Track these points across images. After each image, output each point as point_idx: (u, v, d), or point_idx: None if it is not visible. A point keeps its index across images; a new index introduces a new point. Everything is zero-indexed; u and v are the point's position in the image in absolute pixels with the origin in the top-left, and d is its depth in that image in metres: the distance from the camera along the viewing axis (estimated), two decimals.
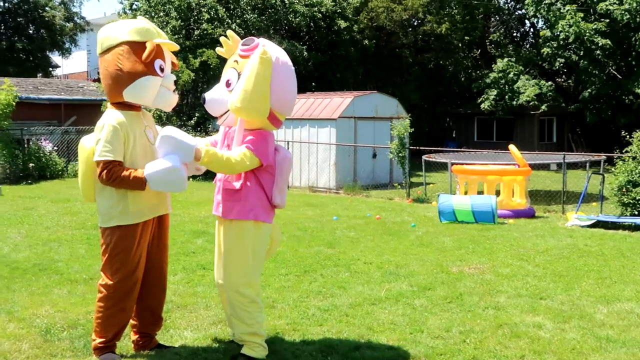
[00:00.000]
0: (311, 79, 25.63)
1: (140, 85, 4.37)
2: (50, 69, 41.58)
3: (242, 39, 4.67)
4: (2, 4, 38.49)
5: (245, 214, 4.54)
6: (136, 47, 4.37)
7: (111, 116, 4.39)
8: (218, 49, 4.72)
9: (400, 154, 15.39)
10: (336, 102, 17.70)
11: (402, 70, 29.36)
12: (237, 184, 4.55)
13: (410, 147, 15.95)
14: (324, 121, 17.28)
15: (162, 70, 4.46)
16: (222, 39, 4.60)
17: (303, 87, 24.28)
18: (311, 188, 17.27)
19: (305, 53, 23.20)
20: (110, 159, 4.31)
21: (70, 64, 43.65)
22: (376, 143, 17.61)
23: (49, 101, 22.14)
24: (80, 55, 42.48)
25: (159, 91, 4.46)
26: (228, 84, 4.51)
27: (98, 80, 26.31)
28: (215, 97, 4.54)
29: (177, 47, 4.60)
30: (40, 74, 38.85)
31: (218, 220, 4.75)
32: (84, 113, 22.34)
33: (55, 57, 42.86)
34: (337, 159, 17.14)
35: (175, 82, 4.57)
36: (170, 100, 4.55)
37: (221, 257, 4.66)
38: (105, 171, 4.30)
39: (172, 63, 4.65)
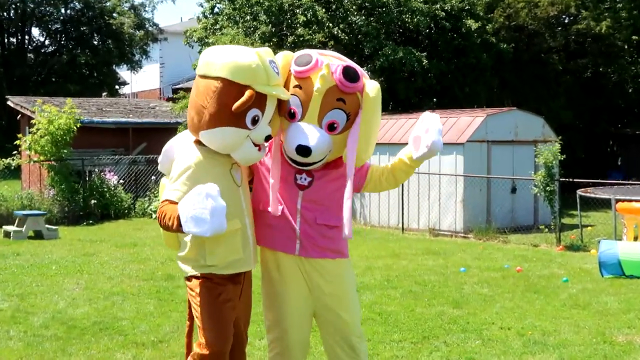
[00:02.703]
0: (432, 93, 25.58)
1: (218, 135, 4.47)
2: (117, 86, 43.64)
3: (331, 53, 4.78)
4: (63, 11, 40.81)
5: (345, 252, 4.87)
6: (233, 89, 4.40)
7: (190, 155, 4.54)
8: (318, 89, 4.64)
9: (547, 188, 15.05)
10: (464, 122, 17.58)
11: (549, 80, 28.82)
12: (336, 219, 4.74)
13: (561, 179, 15.57)
14: (448, 146, 17.15)
15: (254, 122, 4.49)
16: (322, 75, 4.59)
17: (421, 104, 24.23)
18: (432, 231, 17.13)
19: (425, 61, 23.19)
20: (169, 199, 4.42)
21: (140, 80, 45.64)
22: (516, 173, 17.29)
23: (115, 125, 23.15)
24: (152, 69, 44.31)
25: (243, 144, 4.51)
26: (333, 127, 4.63)
27: (172, 99, 27.34)
28: (320, 145, 4.60)
29: (287, 98, 4.61)
30: (105, 93, 40.85)
31: (298, 261, 4.78)
32: (156, 139, 23.10)
33: (123, 72, 44.95)
34: (465, 194, 16.96)
35: (268, 138, 4.58)
36: (250, 157, 4.59)
37: (333, 302, 4.83)
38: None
39: (280, 108, 4.64)
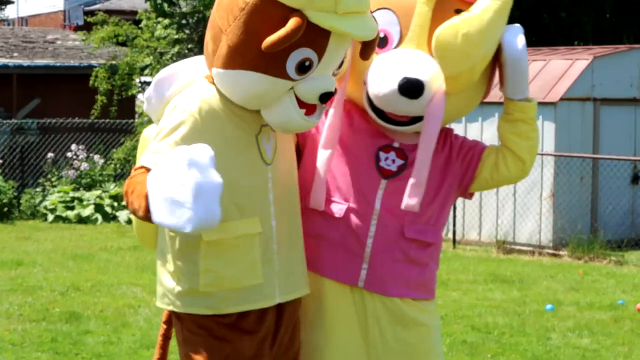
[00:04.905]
0: (508, 23, 25.71)
1: (239, 81, 4.24)
2: None
3: None
4: None
5: (434, 289, 4.65)
6: (272, 10, 4.09)
7: (198, 96, 4.31)
8: None
9: None
10: (556, 69, 17.61)
11: None
12: (433, 232, 4.56)
13: None
14: None
15: (302, 69, 4.20)
16: None
17: None
18: (502, 245, 17.19)
19: None
20: (146, 165, 4.17)
21: None
22: (639, 152, 17.30)
23: None
24: None
25: (281, 100, 4.24)
26: None
27: (84, 27, 27.25)
28: (438, 80, 4.45)
29: (367, 38, 4.26)
30: None
31: (357, 297, 4.57)
32: (57, 93, 23.20)
33: None
34: (556, 185, 17.05)
35: (326, 97, 4.26)
36: (290, 123, 4.30)
37: None
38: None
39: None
